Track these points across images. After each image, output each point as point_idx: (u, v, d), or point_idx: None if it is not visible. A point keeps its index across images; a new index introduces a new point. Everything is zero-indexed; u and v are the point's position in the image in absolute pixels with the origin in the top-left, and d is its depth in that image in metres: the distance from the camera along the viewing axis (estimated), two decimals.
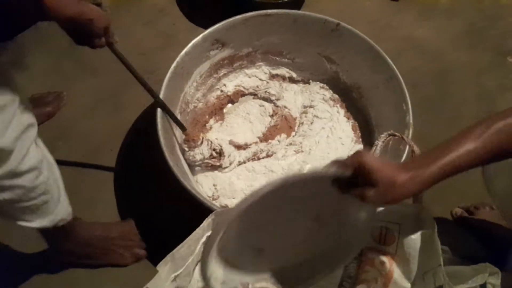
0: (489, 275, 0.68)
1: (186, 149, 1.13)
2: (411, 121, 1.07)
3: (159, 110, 1.04)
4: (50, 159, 0.84)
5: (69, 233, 0.96)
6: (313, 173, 0.70)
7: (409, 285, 0.77)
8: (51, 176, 0.82)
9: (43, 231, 0.91)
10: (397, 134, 0.89)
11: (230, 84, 1.35)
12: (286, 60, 1.36)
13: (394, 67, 1.15)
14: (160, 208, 1.17)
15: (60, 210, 0.87)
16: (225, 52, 1.27)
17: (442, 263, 0.71)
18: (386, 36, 1.57)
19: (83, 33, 0.78)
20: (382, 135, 0.89)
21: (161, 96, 1.06)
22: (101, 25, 0.79)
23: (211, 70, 1.28)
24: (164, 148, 0.99)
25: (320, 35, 1.26)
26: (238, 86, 1.36)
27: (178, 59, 1.12)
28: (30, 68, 1.42)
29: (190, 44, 1.15)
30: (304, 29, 1.26)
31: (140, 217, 1.13)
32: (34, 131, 0.76)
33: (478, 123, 0.64)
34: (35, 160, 0.75)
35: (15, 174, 0.71)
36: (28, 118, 0.73)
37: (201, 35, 1.17)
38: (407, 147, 1.00)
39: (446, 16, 1.68)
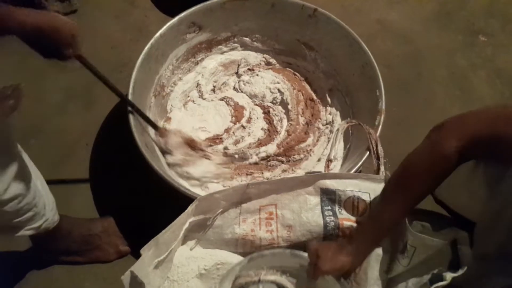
0: (458, 240, 0.71)
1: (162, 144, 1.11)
2: (383, 107, 1.08)
3: (130, 97, 1.03)
4: (34, 174, 0.83)
5: (54, 231, 0.93)
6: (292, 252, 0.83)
7: (380, 250, 0.81)
8: (36, 194, 0.81)
9: None
10: (353, 121, 0.99)
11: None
12: (266, 46, 1.36)
13: (370, 53, 1.15)
14: (139, 200, 1.15)
15: (45, 220, 0.86)
16: (203, 36, 1.26)
17: (407, 222, 0.77)
18: (360, 20, 1.57)
19: (50, 44, 0.73)
20: (342, 122, 0.99)
21: (133, 78, 1.05)
22: (68, 33, 0.74)
23: (188, 54, 1.27)
24: (138, 141, 0.97)
25: (298, 21, 1.26)
26: None
27: (152, 40, 1.11)
28: None
29: (165, 26, 1.14)
30: (281, 14, 1.26)
31: (119, 212, 1.10)
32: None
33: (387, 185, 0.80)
34: (17, 189, 0.74)
35: None
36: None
37: (177, 17, 1.16)
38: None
39: None
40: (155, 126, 1.09)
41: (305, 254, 0.81)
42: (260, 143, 1.20)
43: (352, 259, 0.77)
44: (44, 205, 0.85)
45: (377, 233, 0.78)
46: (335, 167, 1.10)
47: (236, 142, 1.20)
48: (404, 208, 0.75)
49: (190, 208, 0.82)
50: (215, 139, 1.20)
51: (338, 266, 0.76)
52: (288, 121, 1.25)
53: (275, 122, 1.25)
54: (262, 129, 1.24)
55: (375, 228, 0.77)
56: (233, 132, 1.21)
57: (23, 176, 0.77)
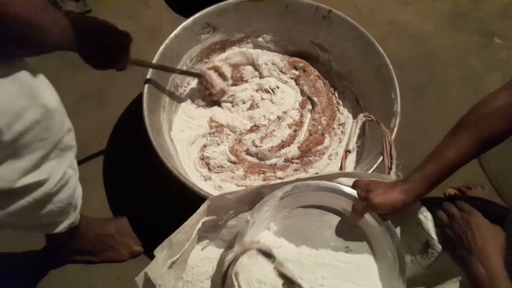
0: None
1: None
2: (398, 109, 1.07)
3: (145, 96, 1.03)
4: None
5: (70, 229, 0.93)
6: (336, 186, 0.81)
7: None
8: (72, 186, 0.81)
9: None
10: (371, 116, 0.98)
11: None
12: (278, 47, 1.36)
13: (385, 55, 1.15)
14: (152, 200, 1.15)
15: (75, 214, 0.86)
16: (217, 37, 1.27)
17: (421, 220, 0.76)
18: (372, 21, 1.56)
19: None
20: (360, 115, 0.98)
21: (148, 76, 1.07)
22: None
23: (202, 55, 1.28)
24: (153, 140, 0.98)
25: (312, 22, 1.26)
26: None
27: (167, 41, 1.12)
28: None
29: (180, 27, 1.15)
30: (295, 15, 1.26)
31: (132, 211, 1.11)
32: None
33: (453, 128, 0.73)
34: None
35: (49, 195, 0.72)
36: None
37: (191, 18, 1.17)
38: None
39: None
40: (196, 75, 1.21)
41: (353, 192, 0.78)
42: (283, 145, 1.19)
43: (405, 199, 0.71)
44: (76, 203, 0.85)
45: (437, 174, 0.71)
46: (351, 159, 1.10)
47: (264, 137, 1.21)
48: (472, 150, 0.69)
49: (202, 208, 0.81)
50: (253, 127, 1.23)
51: (390, 201, 0.71)
52: (311, 119, 1.25)
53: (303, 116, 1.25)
54: (289, 126, 1.24)
55: (436, 168, 0.71)
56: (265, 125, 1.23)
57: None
